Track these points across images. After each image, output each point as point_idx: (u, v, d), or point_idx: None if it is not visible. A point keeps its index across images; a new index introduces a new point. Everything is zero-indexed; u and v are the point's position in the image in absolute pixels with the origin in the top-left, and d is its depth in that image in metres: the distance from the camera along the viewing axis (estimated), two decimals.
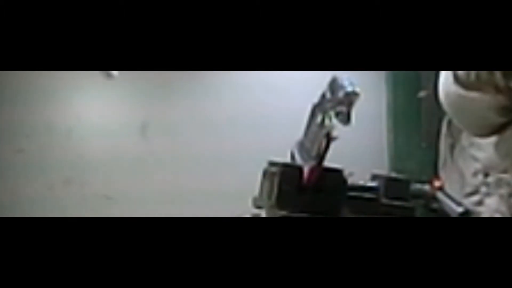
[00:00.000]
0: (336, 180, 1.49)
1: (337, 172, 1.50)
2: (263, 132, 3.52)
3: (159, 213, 2.30)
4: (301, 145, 1.53)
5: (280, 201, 1.45)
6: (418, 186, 1.64)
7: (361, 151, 3.29)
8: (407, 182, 1.61)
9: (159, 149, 3.52)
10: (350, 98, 1.43)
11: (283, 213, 1.45)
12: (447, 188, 1.87)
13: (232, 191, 3.36)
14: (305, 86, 3.57)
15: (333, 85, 1.47)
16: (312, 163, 1.44)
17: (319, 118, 1.47)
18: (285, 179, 1.46)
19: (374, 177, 1.59)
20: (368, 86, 3.10)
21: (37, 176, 3.42)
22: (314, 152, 1.44)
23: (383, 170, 3.38)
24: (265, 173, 1.58)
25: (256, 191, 1.65)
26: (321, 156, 1.43)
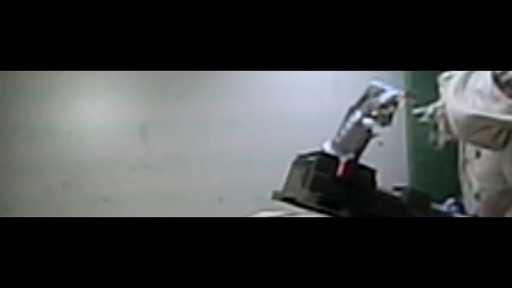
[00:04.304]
0: (368, 179, 1.54)
1: (371, 171, 1.54)
2: (267, 133, 3.51)
3: (159, 215, 2.29)
4: (334, 143, 1.57)
5: (314, 187, 1.49)
6: (435, 206, 1.67)
7: (380, 153, 3.26)
8: (428, 196, 1.64)
9: (159, 151, 3.51)
10: (396, 100, 1.52)
11: (317, 195, 1.48)
12: (464, 192, 1.89)
13: (232, 192, 3.37)
14: (307, 86, 3.58)
15: (374, 89, 1.55)
16: (349, 156, 1.49)
17: (357, 116, 1.52)
18: (321, 167, 1.50)
19: (397, 189, 1.62)
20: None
21: (35, 178, 3.41)
22: (351, 147, 1.49)
23: (402, 168, 3.36)
24: (295, 164, 1.62)
25: (256, 191, 1.67)
26: (359, 151, 1.49)
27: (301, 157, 1.61)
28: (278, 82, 3.55)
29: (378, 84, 1.55)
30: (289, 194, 1.59)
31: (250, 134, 3.50)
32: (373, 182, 1.54)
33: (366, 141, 1.49)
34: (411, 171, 3.38)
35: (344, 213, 1.51)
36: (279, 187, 1.63)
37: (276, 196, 1.65)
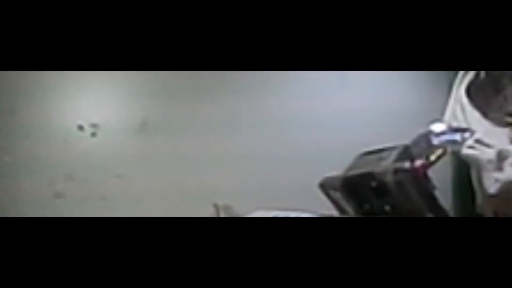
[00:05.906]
0: (431, 188, 1.70)
1: (432, 186, 1.71)
2: (267, 134, 3.52)
3: (159, 213, 2.30)
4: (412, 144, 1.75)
5: (395, 165, 1.67)
6: None
7: None
8: None
9: (159, 149, 3.51)
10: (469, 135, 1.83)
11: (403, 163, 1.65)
12: None
13: (231, 192, 3.37)
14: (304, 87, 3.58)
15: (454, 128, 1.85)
16: (425, 162, 1.66)
17: (437, 132, 1.77)
18: (401, 156, 1.69)
19: None
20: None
21: (36, 176, 3.41)
22: (423, 154, 1.67)
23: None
24: (362, 156, 1.85)
25: (254, 193, 1.68)
26: (433, 162, 1.68)
27: (367, 153, 1.79)
28: (280, 83, 3.55)
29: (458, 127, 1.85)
30: (362, 171, 1.71)
31: (257, 135, 3.50)
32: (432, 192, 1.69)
33: (443, 154, 1.68)
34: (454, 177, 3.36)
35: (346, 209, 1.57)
36: (280, 188, 1.66)
37: (330, 181, 1.78)
